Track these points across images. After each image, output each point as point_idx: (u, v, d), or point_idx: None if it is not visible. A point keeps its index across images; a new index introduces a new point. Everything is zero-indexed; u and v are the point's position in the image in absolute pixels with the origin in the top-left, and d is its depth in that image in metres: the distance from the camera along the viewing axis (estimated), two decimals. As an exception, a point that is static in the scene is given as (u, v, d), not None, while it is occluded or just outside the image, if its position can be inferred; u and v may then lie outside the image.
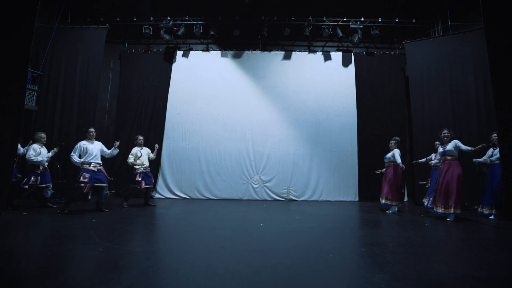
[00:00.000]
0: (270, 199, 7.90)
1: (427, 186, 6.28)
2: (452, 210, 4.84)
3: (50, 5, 7.72)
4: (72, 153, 5.25)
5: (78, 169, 5.48)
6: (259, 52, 8.63)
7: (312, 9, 8.26)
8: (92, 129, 5.50)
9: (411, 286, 2.14)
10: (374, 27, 8.02)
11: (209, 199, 7.83)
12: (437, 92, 7.30)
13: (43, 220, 4.44)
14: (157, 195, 7.85)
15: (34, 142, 5.71)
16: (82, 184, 5.03)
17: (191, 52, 8.68)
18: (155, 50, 8.78)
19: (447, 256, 2.92)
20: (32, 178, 5.48)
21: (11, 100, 4.29)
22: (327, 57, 8.62)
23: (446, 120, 7.03)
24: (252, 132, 8.22)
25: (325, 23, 8.17)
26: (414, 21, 8.14)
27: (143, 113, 8.29)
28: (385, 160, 6.13)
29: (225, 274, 2.41)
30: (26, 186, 5.43)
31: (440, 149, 5.30)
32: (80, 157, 5.34)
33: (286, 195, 7.96)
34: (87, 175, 5.08)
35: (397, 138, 6.14)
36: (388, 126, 8.12)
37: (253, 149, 8.17)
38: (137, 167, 6.11)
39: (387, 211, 5.85)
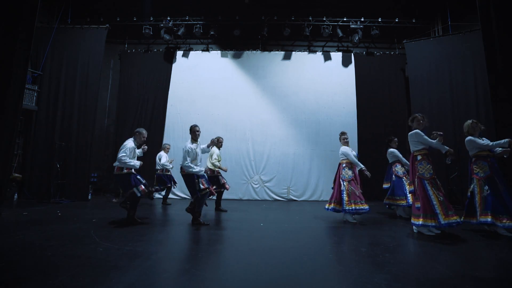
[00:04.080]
0: (270, 199, 7.90)
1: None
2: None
3: (50, 5, 7.73)
4: (187, 163, 4.37)
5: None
6: (259, 52, 8.63)
7: (312, 9, 8.27)
8: (198, 127, 4.66)
9: (411, 286, 2.14)
10: (374, 27, 8.03)
11: (209, 199, 7.79)
12: (437, 92, 7.29)
13: (43, 220, 4.44)
14: (157, 195, 7.83)
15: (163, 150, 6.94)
16: (207, 190, 4.59)
17: (191, 52, 8.69)
18: (155, 50, 8.79)
19: (447, 256, 2.92)
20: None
21: (8, 101, 4.28)
22: (327, 57, 8.63)
23: (446, 120, 7.04)
24: (252, 132, 8.22)
25: (325, 23, 8.18)
26: (414, 21, 8.14)
27: (143, 113, 8.32)
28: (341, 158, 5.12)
29: (225, 273, 2.41)
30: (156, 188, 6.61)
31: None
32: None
33: (286, 195, 7.96)
34: (203, 181, 4.56)
35: (344, 132, 5.20)
36: (388, 126, 8.13)
37: (253, 149, 8.17)
38: (216, 169, 5.85)
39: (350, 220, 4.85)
